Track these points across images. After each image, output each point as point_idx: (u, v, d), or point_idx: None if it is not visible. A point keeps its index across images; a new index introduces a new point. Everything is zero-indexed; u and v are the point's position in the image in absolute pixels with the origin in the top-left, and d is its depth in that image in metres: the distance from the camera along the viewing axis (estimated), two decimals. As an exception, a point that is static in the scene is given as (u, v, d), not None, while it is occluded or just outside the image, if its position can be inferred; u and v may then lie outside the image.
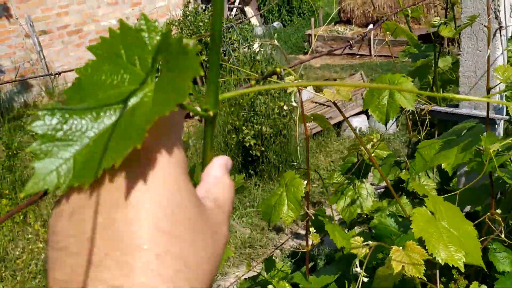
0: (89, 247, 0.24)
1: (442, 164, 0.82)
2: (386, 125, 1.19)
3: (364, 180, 1.60)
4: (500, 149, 0.85)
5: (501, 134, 1.42)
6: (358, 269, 0.78)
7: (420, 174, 1.39)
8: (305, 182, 1.08)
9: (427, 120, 1.32)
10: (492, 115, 1.29)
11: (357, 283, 0.74)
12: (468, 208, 1.32)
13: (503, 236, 1.07)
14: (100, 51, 0.31)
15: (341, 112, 0.96)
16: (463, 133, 0.84)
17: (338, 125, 4.80)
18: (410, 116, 1.57)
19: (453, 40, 3.16)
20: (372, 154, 1.24)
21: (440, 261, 0.68)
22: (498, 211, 1.03)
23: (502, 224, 1.06)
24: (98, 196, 0.26)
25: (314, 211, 1.10)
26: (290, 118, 3.92)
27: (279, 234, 3.30)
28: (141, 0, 7.22)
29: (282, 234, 3.31)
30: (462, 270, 0.67)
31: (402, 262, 0.59)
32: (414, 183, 1.28)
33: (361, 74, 5.18)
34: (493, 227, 1.09)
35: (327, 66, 7.35)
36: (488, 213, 1.05)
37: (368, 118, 4.82)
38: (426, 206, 0.71)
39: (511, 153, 0.85)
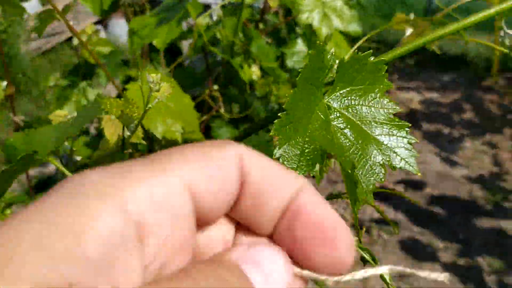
0: None
1: (153, 42, 0.79)
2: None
3: (90, 81, 1.49)
4: (210, 24, 0.85)
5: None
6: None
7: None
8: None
9: None
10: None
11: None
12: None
13: (222, 111, 1.13)
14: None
15: None
16: (173, 7, 0.81)
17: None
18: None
19: None
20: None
21: (158, 135, 0.66)
22: (216, 87, 1.07)
23: (220, 99, 1.11)
24: None
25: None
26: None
27: None
28: None
29: None
30: (180, 141, 0.67)
31: (117, 130, 0.54)
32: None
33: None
34: (213, 105, 1.13)
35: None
36: (207, 90, 1.08)
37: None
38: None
39: (220, 26, 0.88)
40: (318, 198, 0.23)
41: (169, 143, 0.77)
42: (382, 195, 2.41)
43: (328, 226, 0.22)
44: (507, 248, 2.13)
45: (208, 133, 1.15)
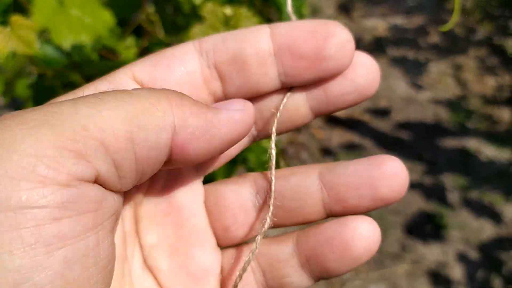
0: None
1: None
2: None
3: None
4: None
5: None
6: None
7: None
8: None
9: None
10: None
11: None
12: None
13: (161, 36, 1.07)
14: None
15: None
16: None
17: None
18: None
19: None
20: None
21: (66, 47, 0.61)
22: (151, 9, 1.00)
23: (159, 23, 1.05)
24: None
25: None
26: None
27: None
28: None
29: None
30: (88, 49, 0.62)
31: (8, 43, 0.48)
32: None
33: None
34: (151, 29, 1.08)
35: None
36: (144, 15, 1.01)
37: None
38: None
39: None
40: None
41: (85, 60, 0.72)
42: (349, 122, 2.42)
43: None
44: (470, 166, 2.18)
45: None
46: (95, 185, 0.21)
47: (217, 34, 0.28)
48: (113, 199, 0.23)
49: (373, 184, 0.28)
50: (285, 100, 0.28)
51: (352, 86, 0.28)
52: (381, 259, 1.80)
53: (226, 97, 0.29)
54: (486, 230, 1.90)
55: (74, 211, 0.20)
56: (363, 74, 0.29)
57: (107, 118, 0.21)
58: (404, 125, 2.42)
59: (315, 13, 3.50)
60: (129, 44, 1.02)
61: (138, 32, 1.12)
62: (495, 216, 1.94)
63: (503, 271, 1.77)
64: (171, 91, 0.25)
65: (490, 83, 2.68)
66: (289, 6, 0.32)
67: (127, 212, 0.28)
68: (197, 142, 0.24)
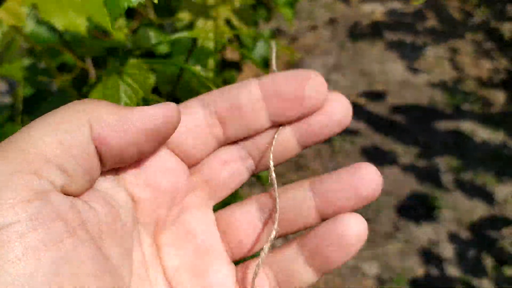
0: None
1: None
2: None
3: None
4: None
5: None
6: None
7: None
8: None
9: None
10: None
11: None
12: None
13: (152, 16, 1.09)
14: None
15: None
16: None
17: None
18: None
19: None
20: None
21: (60, 27, 0.63)
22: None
23: (151, 4, 1.06)
24: None
25: None
26: None
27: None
28: None
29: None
30: (85, 33, 0.64)
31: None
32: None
33: None
34: (142, 10, 1.09)
35: None
36: None
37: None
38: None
39: None
40: None
41: (76, 39, 0.74)
42: (344, 106, 2.43)
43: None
44: (465, 148, 2.20)
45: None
46: (57, 193, 0.27)
47: (216, 89, 0.35)
48: (80, 204, 0.28)
49: (356, 187, 0.34)
50: (276, 135, 0.35)
51: (330, 120, 0.35)
52: (373, 238, 1.83)
53: (227, 139, 0.35)
54: (478, 210, 1.93)
55: (44, 220, 0.25)
56: (337, 108, 0.35)
57: (39, 138, 0.27)
58: (400, 109, 2.44)
59: (312, 0, 3.49)
60: (120, 25, 1.04)
61: (130, 13, 1.15)
62: (487, 197, 1.97)
63: (494, 250, 1.80)
64: (89, 99, 0.31)
65: (486, 67, 2.69)
66: (273, 65, 0.40)
67: (145, 239, 0.34)
68: (115, 133, 0.29)
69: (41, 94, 1.30)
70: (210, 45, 0.58)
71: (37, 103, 1.27)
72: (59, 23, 0.63)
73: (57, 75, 0.85)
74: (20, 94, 1.02)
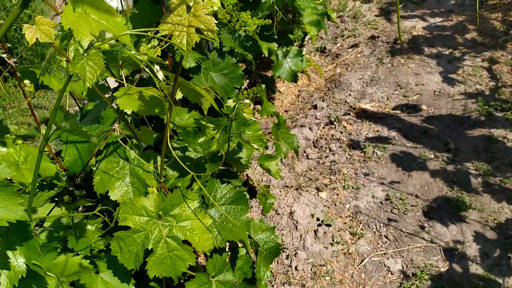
0: None
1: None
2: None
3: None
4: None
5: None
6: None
7: None
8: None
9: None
10: None
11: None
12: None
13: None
14: None
15: None
16: None
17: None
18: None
19: None
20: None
21: (85, 44, 0.86)
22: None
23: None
24: None
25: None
26: None
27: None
28: None
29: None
30: (107, 48, 0.88)
31: (35, 35, 0.75)
32: None
33: None
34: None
35: None
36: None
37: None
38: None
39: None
40: None
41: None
42: (377, 116, 2.56)
43: None
44: (494, 153, 2.24)
45: (174, 59, 1.36)
46: None
47: None
48: None
49: None
50: None
51: None
52: (399, 237, 1.93)
53: None
54: (505, 212, 1.97)
55: None
56: None
57: None
58: (433, 117, 2.52)
59: (356, 18, 3.65)
60: (153, 44, 1.28)
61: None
62: (515, 199, 2.00)
63: (521, 251, 1.83)
64: None
65: (525, 75, 2.70)
66: None
67: None
68: None
69: (102, 106, 1.59)
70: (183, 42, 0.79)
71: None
72: (87, 42, 0.87)
73: (95, 87, 1.09)
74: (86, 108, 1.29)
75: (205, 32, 0.73)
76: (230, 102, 1.00)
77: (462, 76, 2.79)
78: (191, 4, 0.80)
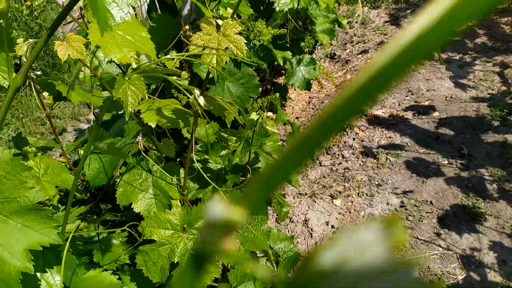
0: None
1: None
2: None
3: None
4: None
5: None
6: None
7: None
8: None
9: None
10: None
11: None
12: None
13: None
14: None
15: None
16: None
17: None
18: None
19: None
20: None
21: (116, 60, 0.87)
22: (187, 27, 1.27)
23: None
24: None
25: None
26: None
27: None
28: None
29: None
30: (133, 64, 0.89)
31: (67, 51, 0.76)
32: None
33: None
34: (189, 43, 1.34)
35: None
36: (181, 32, 1.29)
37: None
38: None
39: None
40: None
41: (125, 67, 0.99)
42: (388, 122, 2.56)
43: None
44: (509, 158, 2.23)
45: (191, 70, 1.37)
46: None
47: None
48: None
49: None
50: None
51: None
52: (415, 245, 1.93)
53: None
54: (522, 218, 1.96)
55: None
56: None
57: None
58: (445, 123, 2.51)
59: (365, 24, 3.66)
60: (171, 57, 1.29)
61: (179, 46, 1.41)
62: (532, 205, 1.99)
63: (539, 258, 1.82)
64: None
65: (537, 79, 2.69)
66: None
67: None
68: None
69: (118, 117, 1.60)
70: (213, 61, 0.79)
71: (111, 124, 1.57)
72: (116, 58, 0.88)
73: (119, 101, 1.10)
74: (101, 118, 1.30)
75: (235, 51, 0.74)
76: (254, 115, 1.00)
77: (473, 81, 2.79)
78: (220, 23, 0.80)
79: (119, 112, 1.65)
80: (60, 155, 2.31)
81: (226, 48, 0.77)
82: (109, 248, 0.98)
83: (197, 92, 0.67)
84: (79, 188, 1.45)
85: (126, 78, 0.64)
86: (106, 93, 1.64)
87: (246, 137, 1.07)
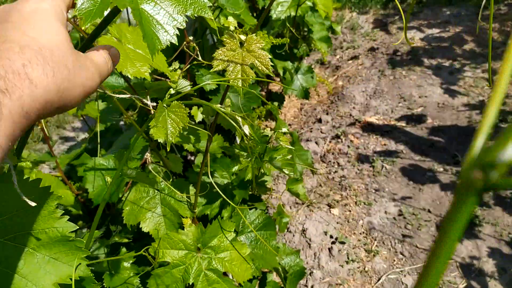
0: None
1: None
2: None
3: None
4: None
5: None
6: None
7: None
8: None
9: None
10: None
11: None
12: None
13: (200, 58, 1.30)
14: None
15: None
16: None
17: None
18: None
19: None
20: None
21: (129, 75, 0.83)
22: (191, 37, 1.24)
23: (197, 48, 1.28)
24: None
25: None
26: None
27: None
28: None
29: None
30: (148, 79, 0.85)
31: None
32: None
33: None
34: (192, 53, 1.30)
35: None
36: (184, 43, 1.25)
37: None
38: (110, 34, 0.84)
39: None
40: None
41: (138, 83, 0.95)
42: (383, 130, 2.55)
43: None
44: (504, 165, 2.24)
45: (193, 80, 1.33)
46: None
47: None
48: None
49: None
50: None
51: None
52: (414, 253, 1.92)
53: None
54: (519, 225, 1.96)
55: None
56: None
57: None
58: (439, 130, 2.52)
59: (354, 29, 3.67)
60: (174, 68, 1.26)
61: (181, 56, 1.37)
62: (528, 212, 2.00)
63: (537, 264, 1.83)
64: None
65: (526, 86, 2.72)
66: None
67: None
68: None
69: (112, 128, 1.55)
70: (239, 83, 0.76)
71: (110, 136, 1.52)
72: (129, 72, 0.84)
73: (126, 113, 1.06)
74: (97, 129, 1.26)
75: (260, 67, 0.70)
76: (268, 132, 0.97)
77: (464, 87, 2.81)
78: (243, 38, 0.77)
79: (114, 123, 1.60)
80: (54, 168, 2.23)
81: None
82: (118, 270, 0.94)
83: (238, 118, 0.63)
84: (75, 204, 1.40)
85: (164, 105, 0.60)
86: (102, 104, 1.59)
87: (258, 153, 1.04)
